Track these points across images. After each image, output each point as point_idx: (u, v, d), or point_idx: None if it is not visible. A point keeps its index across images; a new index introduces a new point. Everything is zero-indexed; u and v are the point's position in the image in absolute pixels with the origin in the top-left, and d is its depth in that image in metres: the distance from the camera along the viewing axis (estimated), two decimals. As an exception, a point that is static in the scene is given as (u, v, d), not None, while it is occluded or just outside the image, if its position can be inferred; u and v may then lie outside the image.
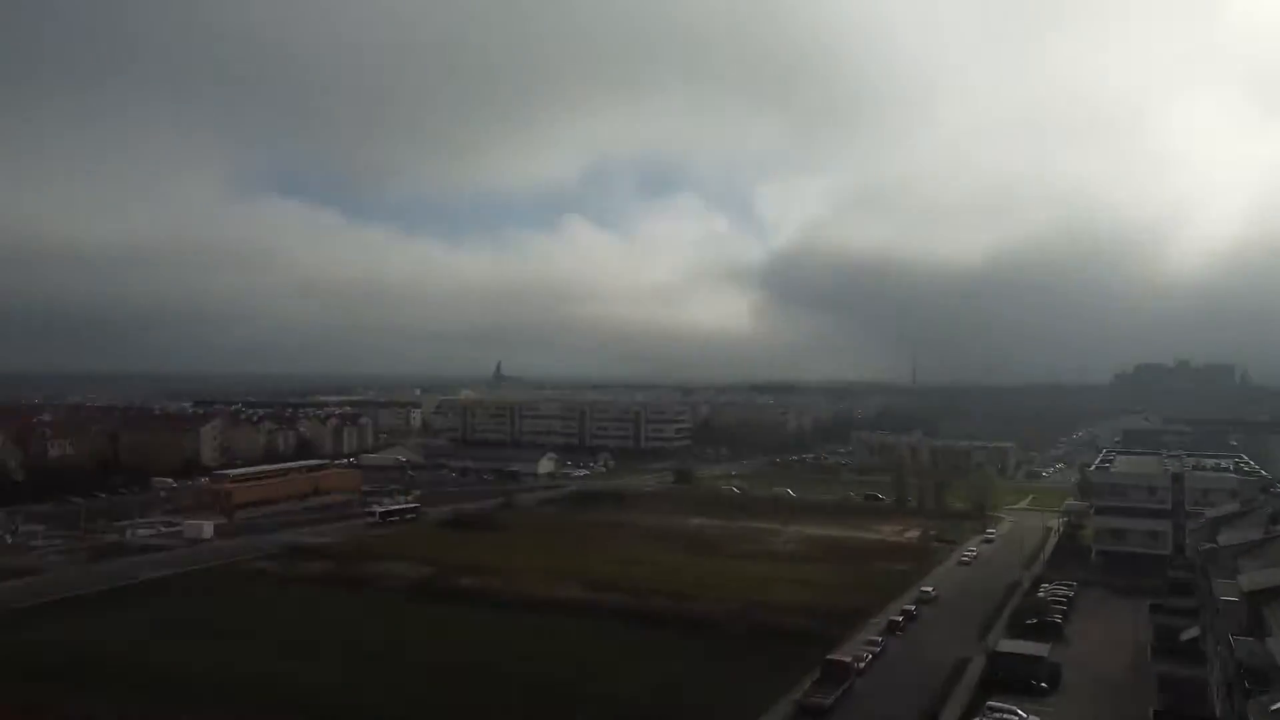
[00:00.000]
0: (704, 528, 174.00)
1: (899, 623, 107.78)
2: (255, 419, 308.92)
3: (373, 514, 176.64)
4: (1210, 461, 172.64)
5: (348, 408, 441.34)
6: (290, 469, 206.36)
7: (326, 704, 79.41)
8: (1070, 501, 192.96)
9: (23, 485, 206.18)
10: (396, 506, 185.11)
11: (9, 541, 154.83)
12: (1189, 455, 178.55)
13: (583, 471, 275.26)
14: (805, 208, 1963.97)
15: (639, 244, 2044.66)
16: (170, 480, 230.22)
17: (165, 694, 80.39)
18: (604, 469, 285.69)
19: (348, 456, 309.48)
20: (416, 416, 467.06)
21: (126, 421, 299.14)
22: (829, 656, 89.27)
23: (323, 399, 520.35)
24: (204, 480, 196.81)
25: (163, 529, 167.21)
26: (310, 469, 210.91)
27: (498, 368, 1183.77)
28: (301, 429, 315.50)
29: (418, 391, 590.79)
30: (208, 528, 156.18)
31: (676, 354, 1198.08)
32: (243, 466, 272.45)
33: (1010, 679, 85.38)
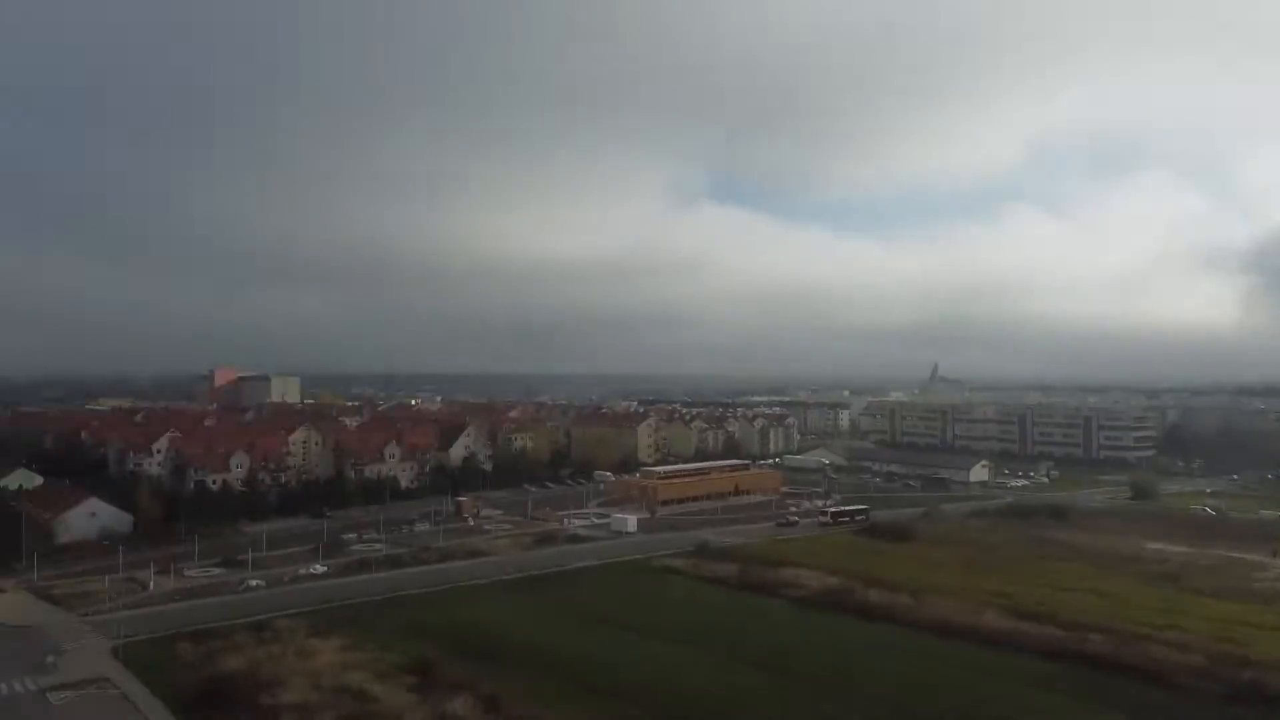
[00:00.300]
0: (1165, 554, 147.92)
1: None
2: (688, 418, 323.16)
3: (824, 513, 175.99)
4: None
5: (776, 408, 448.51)
6: (712, 468, 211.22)
7: (706, 707, 76.60)
8: None
9: (490, 474, 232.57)
10: (848, 508, 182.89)
11: (470, 524, 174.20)
12: None
13: (1020, 481, 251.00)
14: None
15: (1090, 230, 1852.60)
16: (609, 474, 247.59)
17: (557, 676, 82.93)
18: (1045, 479, 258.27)
19: (773, 457, 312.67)
20: (844, 418, 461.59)
21: (578, 419, 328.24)
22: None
23: (754, 399, 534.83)
24: (634, 476, 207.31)
25: (594, 519, 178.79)
26: (732, 469, 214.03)
27: (934, 369, 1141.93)
28: (730, 428, 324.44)
29: (846, 393, 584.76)
30: (631, 521, 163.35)
31: (1136, 353, 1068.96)
32: (675, 463, 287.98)
33: None
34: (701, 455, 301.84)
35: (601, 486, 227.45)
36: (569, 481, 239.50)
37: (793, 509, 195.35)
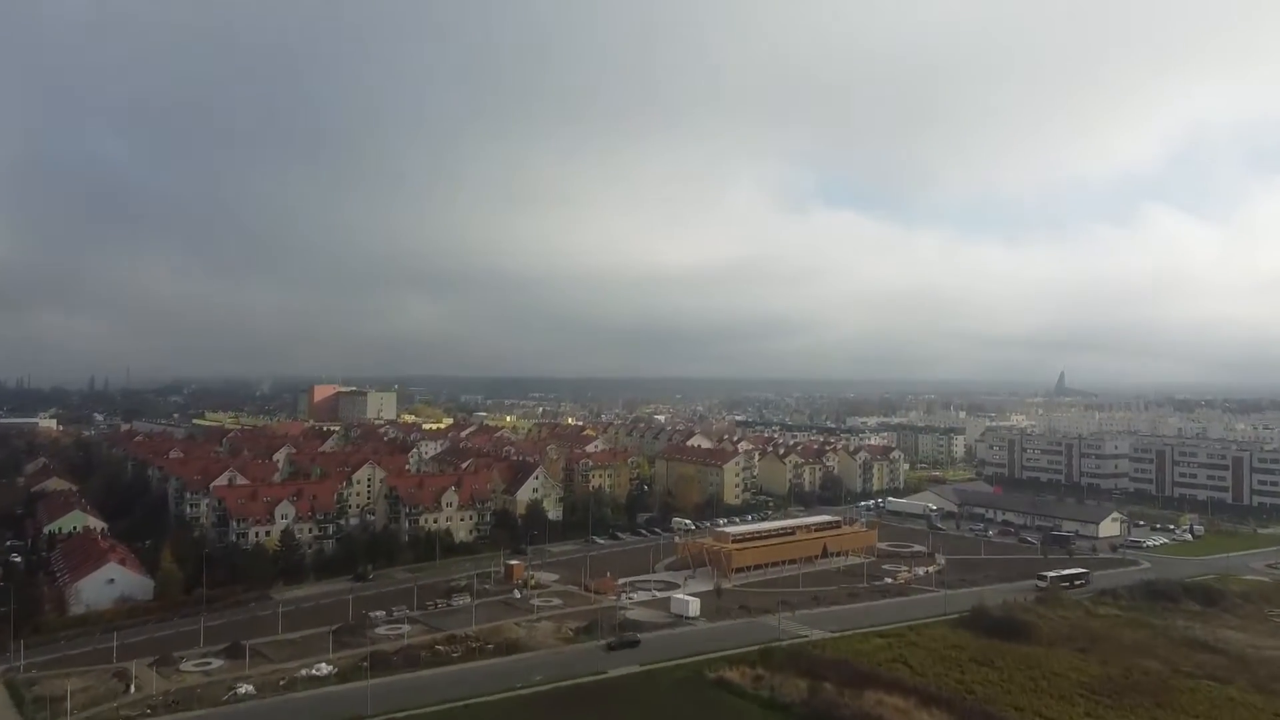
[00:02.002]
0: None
1: None
2: (782, 452, 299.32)
3: (1043, 578, 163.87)
4: None
5: (884, 434, 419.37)
6: (797, 526, 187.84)
7: None
8: None
9: (556, 523, 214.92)
10: (1067, 573, 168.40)
11: (518, 596, 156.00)
12: None
13: (1158, 539, 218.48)
14: None
15: (1243, 231, 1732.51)
16: (688, 522, 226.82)
17: None
18: (1189, 535, 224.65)
19: (875, 497, 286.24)
20: (958, 445, 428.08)
21: (664, 451, 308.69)
22: None
23: (861, 421, 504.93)
24: (707, 535, 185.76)
25: (655, 593, 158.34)
26: (819, 528, 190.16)
27: (1060, 377, 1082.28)
28: (829, 463, 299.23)
29: (962, 415, 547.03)
30: (694, 605, 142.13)
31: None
32: (766, 504, 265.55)
33: None
34: (796, 494, 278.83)
35: (677, 539, 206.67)
36: (643, 531, 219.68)
37: (888, 579, 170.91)
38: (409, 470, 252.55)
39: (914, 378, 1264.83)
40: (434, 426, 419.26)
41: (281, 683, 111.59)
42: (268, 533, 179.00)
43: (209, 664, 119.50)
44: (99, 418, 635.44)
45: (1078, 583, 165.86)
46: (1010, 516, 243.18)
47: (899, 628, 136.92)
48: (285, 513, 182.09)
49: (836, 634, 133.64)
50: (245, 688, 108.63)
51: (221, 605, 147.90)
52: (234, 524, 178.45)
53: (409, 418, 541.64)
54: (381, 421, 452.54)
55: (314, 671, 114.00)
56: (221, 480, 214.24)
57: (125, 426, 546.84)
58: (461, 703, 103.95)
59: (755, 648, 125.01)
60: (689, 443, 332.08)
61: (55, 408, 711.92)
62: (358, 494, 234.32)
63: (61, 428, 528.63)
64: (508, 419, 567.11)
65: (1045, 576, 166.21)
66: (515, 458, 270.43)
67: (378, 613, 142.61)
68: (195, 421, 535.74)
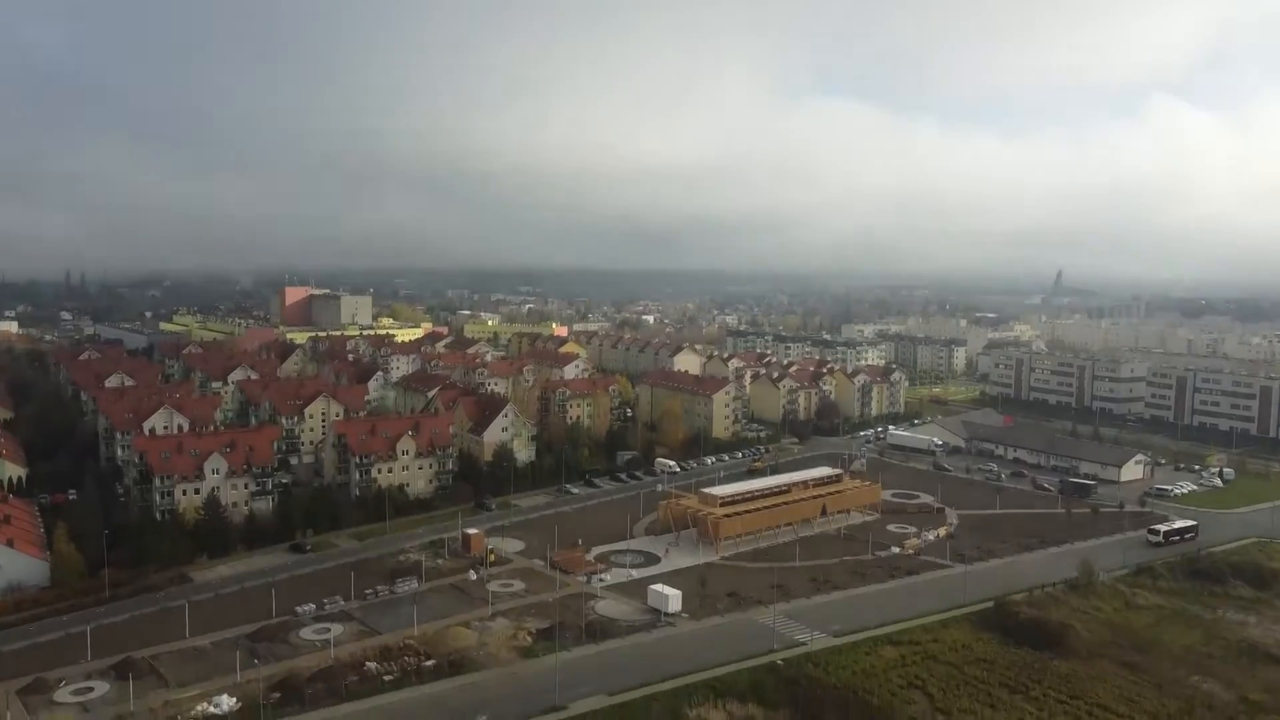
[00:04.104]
0: None
1: None
2: (776, 376, 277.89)
3: (1155, 533, 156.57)
4: None
5: (881, 350, 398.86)
6: (793, 484, 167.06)
7: None
8: None
9: (527, 470, 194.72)
10: (1179, 527, 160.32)
11: (473, 577, 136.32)
12: None
13: (1186, 485, 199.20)
14: None
15: (1258, 133, 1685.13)
16: (673, 464, 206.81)
17: None
18: (1219, 481, 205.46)
19: (874, 425, 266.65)
20: (959, 357, 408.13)
21: (648, 378, 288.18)
22: None
23: (858, 330, 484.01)
24: (690, 497, 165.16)
25: (633, 572, 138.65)
26: (819, 483, 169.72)
27: (1058, 276, 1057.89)
28: (825, 387, 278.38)
29: (962, 323, 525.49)
30: (674, 599, 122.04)
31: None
32: (758, 436, 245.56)
33: None
34: (790, 422, 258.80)
35: (659, 488, 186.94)
36: (622, 476, 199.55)
37: (895, 549, 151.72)
38: (369, 402, 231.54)
39: (908, 272, 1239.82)
40: (408, 337, 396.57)
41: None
42: (196, 490, 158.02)
43: (91, 690, 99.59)
44: (66, 318, 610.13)
45: (1188, 535, 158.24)
46: (1022, 455, 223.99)
47: (912, 628, 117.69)
48: (216, 467, 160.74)
49: (840, 639, 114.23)
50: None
51: (129, 591, 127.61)
52: (157, 481, 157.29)
53: (386, 321, 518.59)
54: (354, 330, 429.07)
55: (212, 708, 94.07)
56: (156, 419, 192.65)
57: (89, 330, 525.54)
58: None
59: (745, 665, 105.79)
60: (676, 361, 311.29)
61: (24, 305, 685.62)
62: (310, 430, 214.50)
63: (21, 331, 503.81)
64: (489, 323, 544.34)
65: (1157, 531, 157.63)
66: (486, 387, 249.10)
67: (306, 606, 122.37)
68: (162, 326, 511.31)
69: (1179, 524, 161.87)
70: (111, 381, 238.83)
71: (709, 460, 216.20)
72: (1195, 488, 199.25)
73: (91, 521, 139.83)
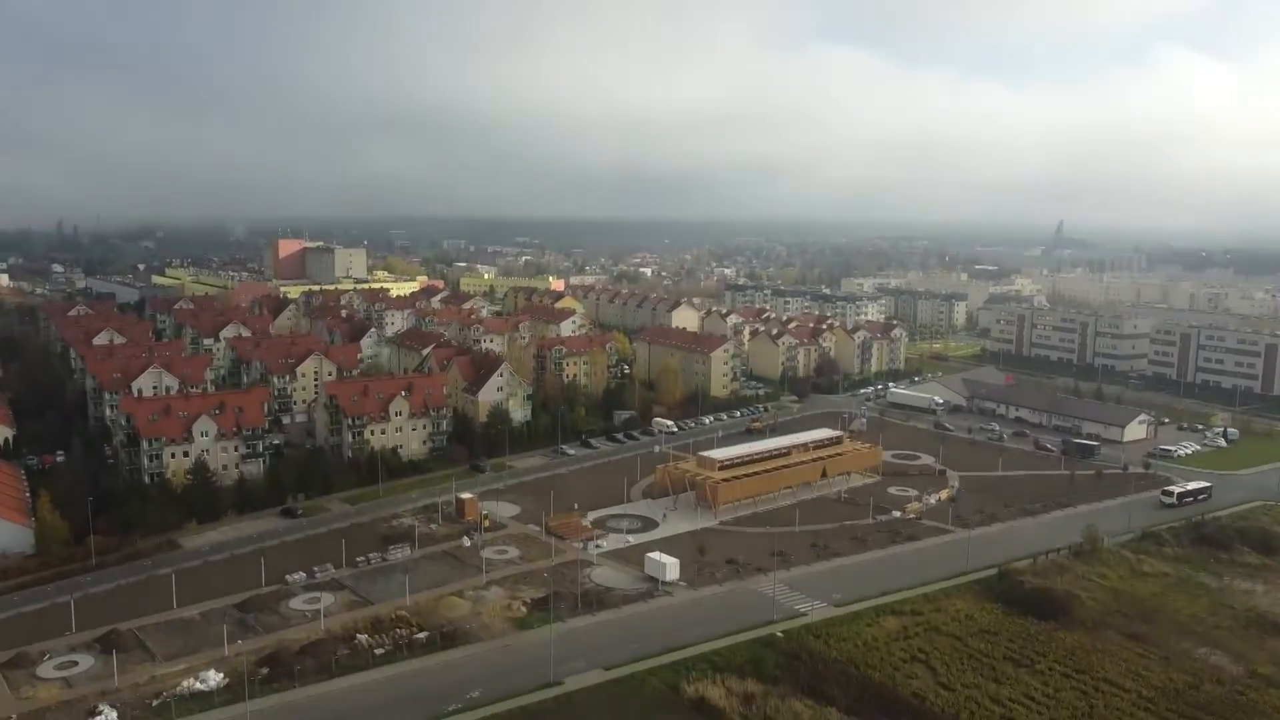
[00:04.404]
0: None
1: None
2: (775, 332, 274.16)
3: (1169, 494, 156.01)
4: None
5: (881, 304, 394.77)
6: (793, 446, 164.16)
7: None
8: None
9: (522, 430, 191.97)
10: (1192, 488, 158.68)
11: (467, 544, 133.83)
12: None
13: (1190, 446, 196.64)
14: None
15: (1265, 80, 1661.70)
16: (670, 424, 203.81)
17: None
18: (1223, 441, 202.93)
19: (874, 382, 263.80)
20: (960, 312, 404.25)
21: (645, 335, 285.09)
22: None
23: (858, 284, 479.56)
24: (688, 460, 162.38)
25: (630, 538, 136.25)
26: (819, 445, 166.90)
27: (1059, 226, 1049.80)
28: (825, 344, 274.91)
29: (963, 277, 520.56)
30: (671, 567, 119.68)
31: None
32: (757, 394, 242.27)
33: None
34: (790, 379, 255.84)
35: (656, 449, 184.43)
36: (619, 436, 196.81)
37: (896, 513, 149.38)
38: (362, 360, 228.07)
39: (908, 222, 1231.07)
40: (403, 291, 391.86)
41: (154, 702, 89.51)
42: (185, 453, 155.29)
43: (75, 664, 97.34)
44: (58, 270, 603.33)
45: (1201, 497, 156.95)
46: (1024, 414, 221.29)
47: (914, 597, 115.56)
48: (205, 430, 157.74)
49: (841, 609, 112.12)
50: (105, 715, 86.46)
51: (116, 559, 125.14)
52: (145, 444, 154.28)
53: (380, 275, 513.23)
54: (348, 284, 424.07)
55: (198, 684, 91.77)
56: (145, 380, 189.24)
57: (81, 283, 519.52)
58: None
59: (745, 637, 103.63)
60: (674, 317, 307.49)
61: (15, 256, 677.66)
62: (303, 389, 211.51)
63: (11, 284, 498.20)
64: (485, 276, 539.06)
65: (1171, 493, 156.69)
66: (481, 345, 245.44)
67: (297, 575, 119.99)
68: (154, 279, 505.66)
69: (1192, 485, 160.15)
70: (101, 339, 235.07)
71: (707, 420, 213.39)
72: (1199, 448, 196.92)
73: (78, 486, 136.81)
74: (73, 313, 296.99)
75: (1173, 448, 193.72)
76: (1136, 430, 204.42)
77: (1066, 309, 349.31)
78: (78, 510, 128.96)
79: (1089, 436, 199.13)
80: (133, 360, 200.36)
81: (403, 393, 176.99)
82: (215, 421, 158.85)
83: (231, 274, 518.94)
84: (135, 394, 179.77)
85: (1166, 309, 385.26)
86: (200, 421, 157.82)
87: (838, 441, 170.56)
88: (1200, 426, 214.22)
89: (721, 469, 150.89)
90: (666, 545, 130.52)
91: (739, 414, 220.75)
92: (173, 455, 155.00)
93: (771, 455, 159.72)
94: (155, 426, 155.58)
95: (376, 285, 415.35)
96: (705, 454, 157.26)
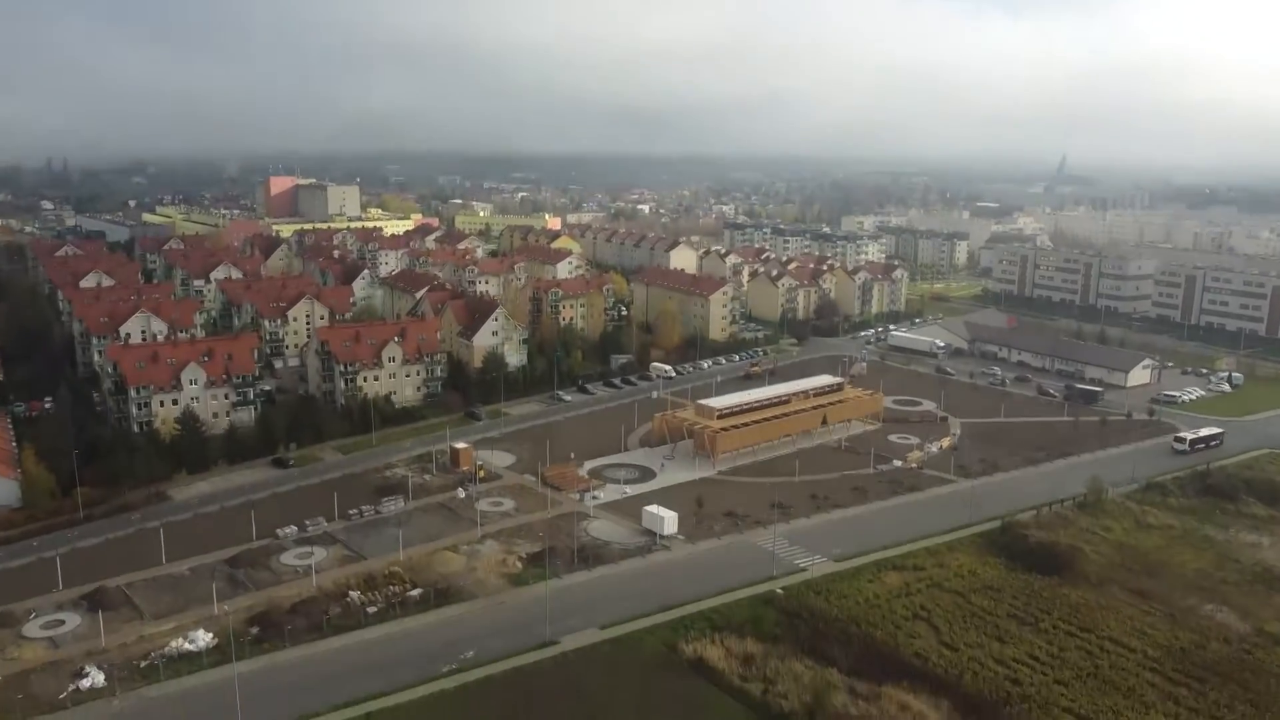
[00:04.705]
0: None
1: None
2: (775, 274, 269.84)
3: (1181, 440, 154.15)
4: None
5: (882, 243, 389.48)
6: (793, 394, 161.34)
7: None
8: None
9: (518, 375, 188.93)
10: (1204, 434, 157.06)
11: (462, 496, 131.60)
12: None
13: (1194, 391, 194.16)
14: None
15: (1277, 6, 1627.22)
16: (668, 369, 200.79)
17: None
18: (1228, 386, 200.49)
19: (875, 325, 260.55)
20: (961, 251, 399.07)
21: (642, 275, 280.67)
22: None
23: (858, 223, 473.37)
24: (686, 408, 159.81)
25: (627, 488, 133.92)
26: (819, 393, 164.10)
27: (1062, 161, 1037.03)
28: (825, 285, 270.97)
29: (965, 215, 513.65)
30: (670, 520, 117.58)
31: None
32: (756, 338, 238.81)
33: None
34: (789, 322, 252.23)
35: (655, 394, 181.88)
36: (616, 382, 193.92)
37: (897, 462, 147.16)
38: (354, 303, 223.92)
39: (908, 157, 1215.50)
40: (398, 230, 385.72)
41: (142, 663, 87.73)
42: (174, 401, 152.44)
43: (62, 623, 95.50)
44: (47, 207, 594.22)
45: (1213, 443, 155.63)
46: (1026, 358, 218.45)
47: (916, 550, 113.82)
48: (194, 377, 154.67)
49: (841, 564, 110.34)
50: (91, 676, 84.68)
51: (104, 512, 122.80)
52: (133, 392, 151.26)
53: (374, 213, 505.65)
54: (341, 222, 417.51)
55: (187, 645, 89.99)
56: (133, 324, 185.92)
57: (70, 221, 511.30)
58: (363, 708, 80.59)
59: (744, 594, 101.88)
60: (672, 257, 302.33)
61: (4, 192, 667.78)
62: (294, 333, 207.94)
63: (0, 222, 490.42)
64: (480, 214, 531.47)
65: (1183, 439, 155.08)
66: (476, 287, 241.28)
67: (288, 529, 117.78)
68: (145, 217, 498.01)
69: (1205, 431, 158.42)
70: (89, 281, 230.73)
71: (705, 364, 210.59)
72: (1203, 394, 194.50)
73: (65, 436, 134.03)
74: (61, 253, 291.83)
75: (1176, 393, 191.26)
76: (1140, 375, 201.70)
77: (1069, 249, 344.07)
78: (66, 460, 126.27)
79: (1092, 381, 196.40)
80: (120, 304, 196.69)
81: (396, 338, 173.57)
82: (204, 369, 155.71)
83: (223, 212, 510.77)
84: (123, 339, 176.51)
85: (1170, 248, 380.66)
86: (189, 369, 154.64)
87: (838, 388, 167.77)
88: (1204, 371, 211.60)
89: (720, 418, 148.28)
90: (664, 496, 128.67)
91: (738, 358, 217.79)
92: (161, 404, 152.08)
93: (771, 403, 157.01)
94: (142, 374, 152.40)
95: (370, 224, 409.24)
96: (704, 402, 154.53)
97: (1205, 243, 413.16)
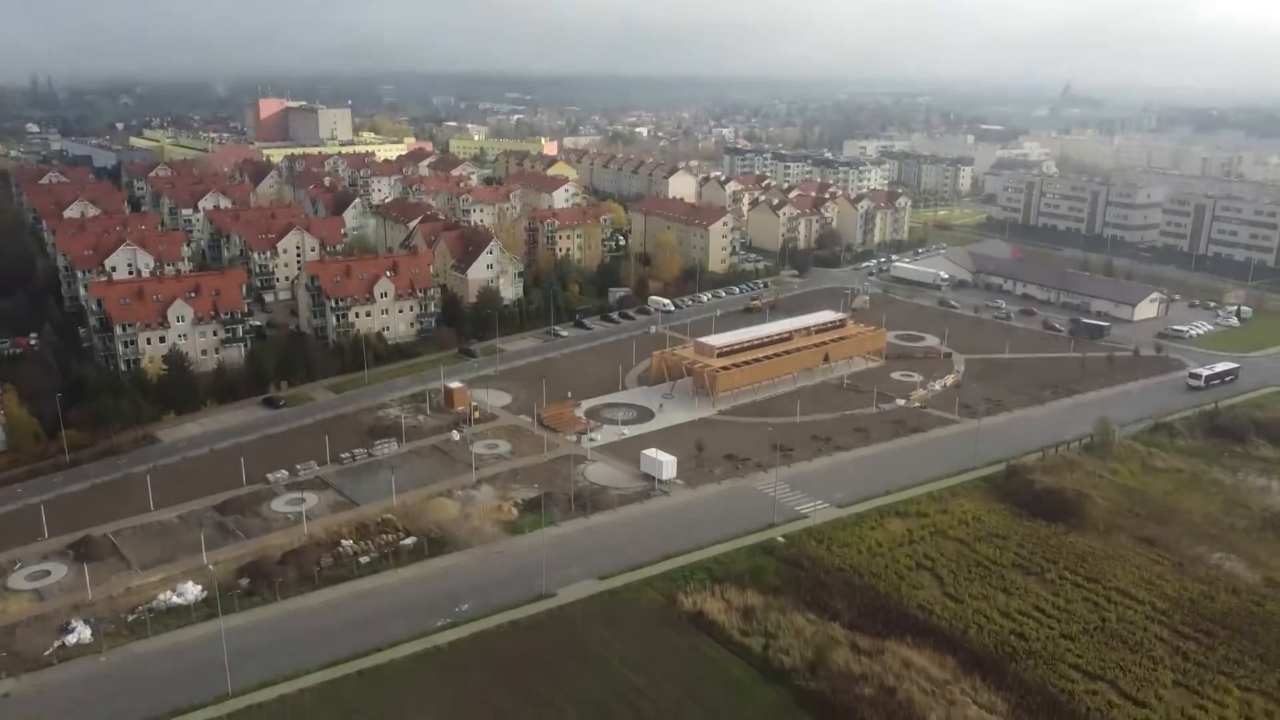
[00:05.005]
0: None
1: None
2: (776, 203, 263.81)
3: (1196, 377, 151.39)
4: None
5: (885, 169, 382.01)
6: (794, 330, 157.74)
7: None
8: None
9: (514, 310, 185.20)
10: (1219, 370, 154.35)
11: (456, 438, 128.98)
12: None
13: (1202, 325, 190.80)
14: None
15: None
16: (667, 302, 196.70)
17: None
18: (1236, 320, 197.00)
19: (877, 255, 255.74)
20: (966, 177, 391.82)
21: (640, 205, 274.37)
22: None
23: (860, 148, 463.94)
24: (685, 346, 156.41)
25: (625, 430, 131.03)
26: (820, 329, 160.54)
27: (1066, 86, 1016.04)
28: (827, 214, 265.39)
29: (970, 139, 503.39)
30: (669, 465, 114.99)
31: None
32: (756, 270, 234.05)
33: None
34: (790, 252, 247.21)
35: (652, 329, 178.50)
36: (614, 317, 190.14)
37: (900, 401, 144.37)
38: (345, 234, 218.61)
39: (910, 79, 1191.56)
40: (391, 154, 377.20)
41: (130, 616, 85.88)
42: (161, 339, 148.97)
43: (48, 574, 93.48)
44: (33, 130, 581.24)
45: (1228, 379, 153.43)
46: (1032, 290, 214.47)
47: (920, 496, 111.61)
48: (181, 314, 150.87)
49: (843, 509, 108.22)
50: (77, 631, 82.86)
51: (90, 455, 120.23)
52: (119, 330, 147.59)
53: (367, 136, 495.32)
54: (333, 146, 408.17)
55: (175, 598, 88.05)
56: (118, 258, 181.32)
57: (56, 144, 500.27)
58: (355, 665, 78.88)
59: (745, 542, 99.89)
60: (670, 184, 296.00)
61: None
62: (285, 265, 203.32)
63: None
64: (475, 137, 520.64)
65: (1199, 375, 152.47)
66: (470, 217, 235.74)
67: (279, 473, 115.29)
68: (132, 141, 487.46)
69: (1220, 367, 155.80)
70: (73, 210, 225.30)
71: (705, 297, 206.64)
72: (1211, 328, 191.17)
73: (49, 376, 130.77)
74: (45, 180, 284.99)
75: (1184, 328, 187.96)
76: (1147, 309, 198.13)
77: (1076, 177, 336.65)
78: (49, 403, 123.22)
79: (1098, 315, 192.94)
80: (105, 235, 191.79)
81: (388, 272, 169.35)
82: (191, 305, 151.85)
83: (212, 135, 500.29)
84: (107, 274, 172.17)
85: (1178, 175, 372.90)
86: (175, 305, 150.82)
87: (841, 324, 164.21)
88: (1212, 304, 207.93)
89: (720, 356, 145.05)
90: (663, 437, 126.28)
91: (738, 290, 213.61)
92: (148, 341, 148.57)
93: (772, 340, 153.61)
94: (127, 310, 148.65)
95: (362, 148, 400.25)
96: (703, 340, 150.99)
97: (1214, 168, 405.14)
